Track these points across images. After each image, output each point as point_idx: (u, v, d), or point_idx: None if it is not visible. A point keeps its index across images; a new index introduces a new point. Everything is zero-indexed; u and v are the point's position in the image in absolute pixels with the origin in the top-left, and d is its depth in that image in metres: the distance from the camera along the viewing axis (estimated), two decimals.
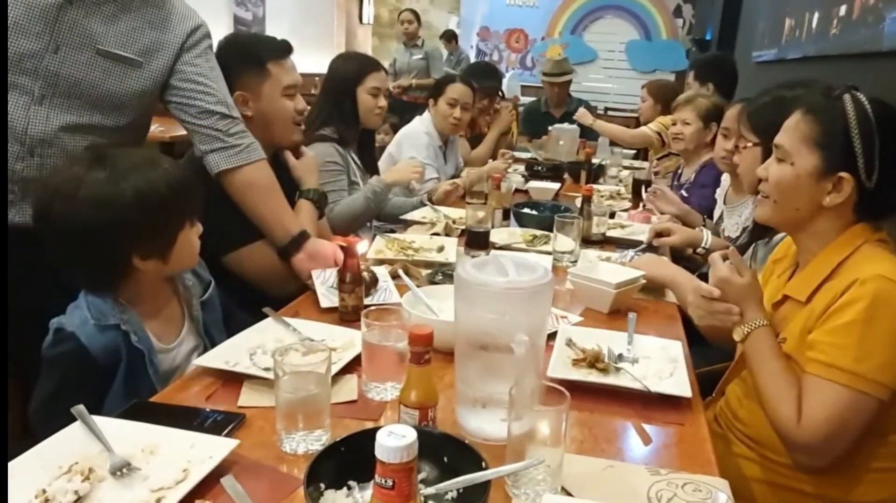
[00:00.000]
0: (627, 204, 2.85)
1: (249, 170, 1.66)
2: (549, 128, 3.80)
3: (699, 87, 3.33)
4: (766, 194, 1.30)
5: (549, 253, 2.04)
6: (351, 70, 2.45)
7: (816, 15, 3.16)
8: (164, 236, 1.26)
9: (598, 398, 1.20)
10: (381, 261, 1.88)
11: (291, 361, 1.28)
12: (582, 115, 3.98)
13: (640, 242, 2.16)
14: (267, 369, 1.21)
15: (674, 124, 2.95)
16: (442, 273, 1.76)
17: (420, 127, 3.11)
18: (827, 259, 1.23)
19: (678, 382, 1.23)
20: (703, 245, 2.17)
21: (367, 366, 1.18)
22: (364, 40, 9.83)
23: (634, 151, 4.34)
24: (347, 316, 1.49)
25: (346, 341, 1.35)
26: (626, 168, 3.57)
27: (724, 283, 1.26)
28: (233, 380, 1.20)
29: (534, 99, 4.75)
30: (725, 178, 2.43)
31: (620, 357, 1.32)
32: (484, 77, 3.67)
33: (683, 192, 2.84)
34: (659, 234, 2.18)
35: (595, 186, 3.17)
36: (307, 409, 1.01)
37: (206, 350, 1.38)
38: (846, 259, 1.21)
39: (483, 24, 9.11)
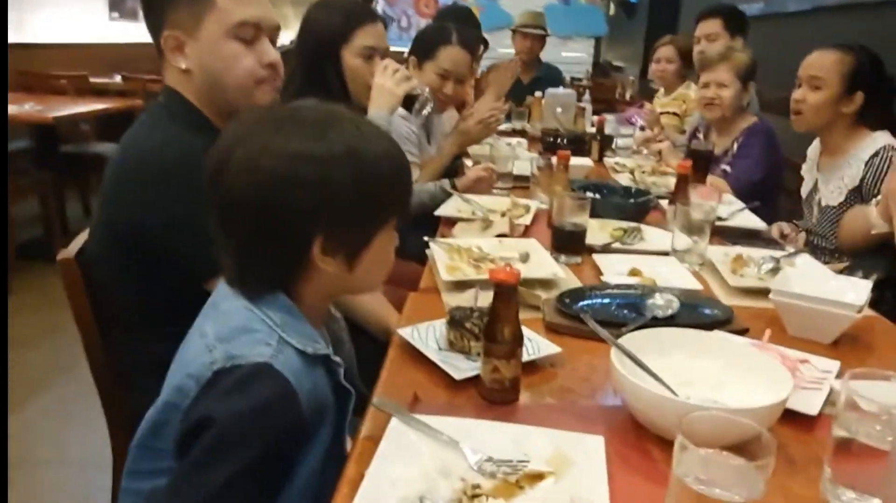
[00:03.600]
0: (673, 180, 2.37)
1: None
2: (537, 93, 3.24)
3: (729, 39, 2.82)
4: None
5: (665, 253, 1.54)
6: (333, 24, 1.77)
7: None
8: (363, 228, 0.83)
9: None
10: (460, 283, 1.30)
11: None
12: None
13: (756, 231, 1.70)
14: None
15: (705, 86, 2.46)
16: (580, 305, 1.19)
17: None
18: None
19: None
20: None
21: None
22: None
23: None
24: (500, 395, 0.91)
25: (553, 454, 0.77)
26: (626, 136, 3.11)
27: None
28: None
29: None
30: (814, 147, 2.03)
31: None
32: (461, 25, 2.76)
33: (725, 167, 2.42)
34: None
35: (611, 160, 2.72)
36: None
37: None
38: None
39: None
